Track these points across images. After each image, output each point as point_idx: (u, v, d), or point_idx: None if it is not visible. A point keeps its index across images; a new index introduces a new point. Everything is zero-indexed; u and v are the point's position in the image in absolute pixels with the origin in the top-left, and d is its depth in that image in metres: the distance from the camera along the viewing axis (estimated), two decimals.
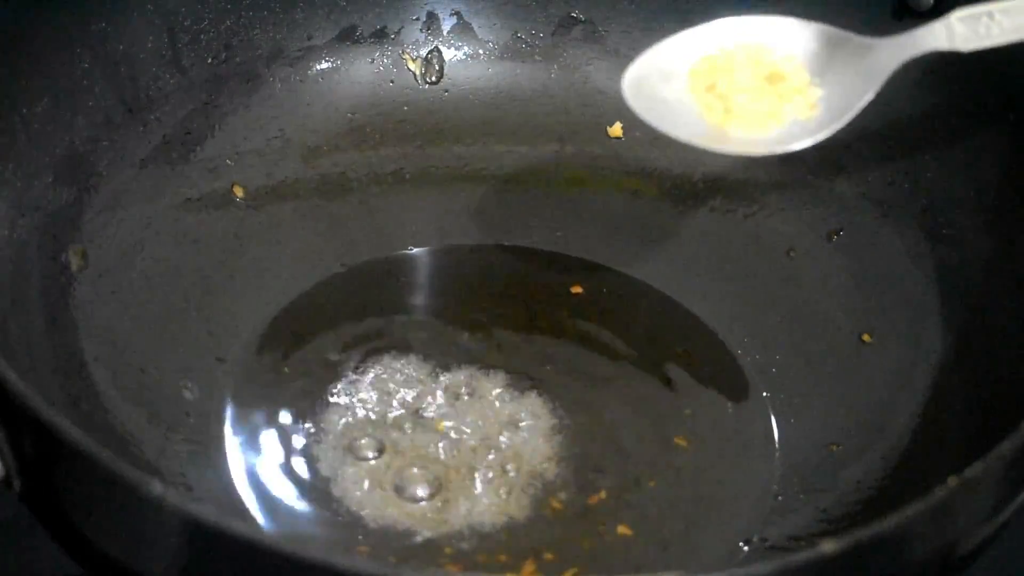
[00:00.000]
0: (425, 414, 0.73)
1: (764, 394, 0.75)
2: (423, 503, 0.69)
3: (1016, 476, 0.57)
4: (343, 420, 0.73)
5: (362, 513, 0.68)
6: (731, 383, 0.75)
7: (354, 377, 0.74)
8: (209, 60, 0.80)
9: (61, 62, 0.73)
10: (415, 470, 0.70)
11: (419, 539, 0.68)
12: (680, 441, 0.73)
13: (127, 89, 0.77)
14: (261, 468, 0.70)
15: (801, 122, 0.68)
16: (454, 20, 0.86)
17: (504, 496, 0.69)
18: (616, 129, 0.85)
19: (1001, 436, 0.56)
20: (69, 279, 0.71)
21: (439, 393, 0.74)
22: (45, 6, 0.72)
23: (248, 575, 0.52)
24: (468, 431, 0.72)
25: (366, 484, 0.70)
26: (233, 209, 0.80)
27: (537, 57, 0.86)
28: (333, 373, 0.74)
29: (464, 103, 0.85)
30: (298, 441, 0.71)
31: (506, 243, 0.81)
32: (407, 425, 0.72)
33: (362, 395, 0.74)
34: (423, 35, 0.85)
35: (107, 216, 0.75)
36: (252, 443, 0.71)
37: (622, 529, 0.69)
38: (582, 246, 0.81)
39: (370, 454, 0.71)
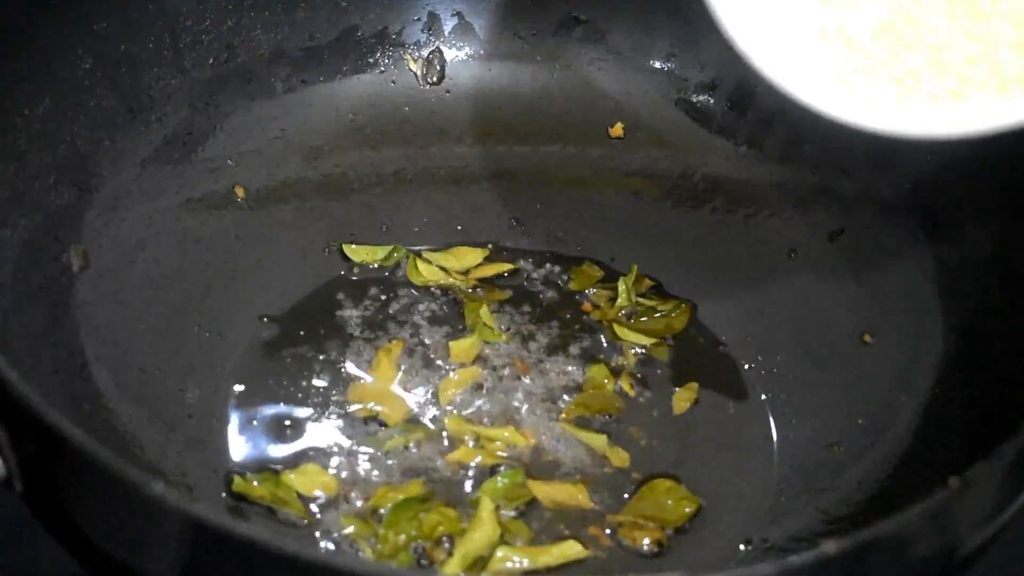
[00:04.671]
0: (426, 413, 0.73)
1: (765, 395, 0.75)
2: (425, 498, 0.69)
3: (1017, 477, 0.57)
4: (345, 418, 0.73)
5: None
6: (731, 383, 0.75)
7: (356, 376, 0.74)
8: (210, 61, 0.80)
9: (63, 63, 0.73)
10: (417, 466, 0.71)
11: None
12: (681, 441, 0.73)
13: (128, 90, 0.77)
14: (262, 468, 0.70)
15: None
16: (455, 20, 0.86)
17: (504, 495, 0.70)
18: (617, 129, 0.85)
19: (1002, 437, 0.56)
20: (70, 279, 0.72)
21: (441, 393, 0.74)
22: (47, 7, 0.72)
23: (248, 575, 0.52)
24: (470, 429, 0.72)
25: (371, 479, 0.70)
26: (234, 209, 0.80)
27: (539, 57, 0.86)
28: (335, 372, 0.74)
29: (465, 103, 0.85)
30: (300, 441, 0.71)
31: (506, 243, 0.81)
32: (409, 423, 0.72)
33: (364, 394, 0.74)
34: (424, 35, 0.85)
35: (108, 216, 0.75)
36: (253, 443, 0.71)
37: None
38: (582, 246, 0.81)
39: (372, 451, 0.71)
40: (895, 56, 0.54)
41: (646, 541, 0.68)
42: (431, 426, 0.72)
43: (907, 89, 0.53)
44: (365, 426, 0.72)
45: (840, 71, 0.54)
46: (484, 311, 0.77)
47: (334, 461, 0.70)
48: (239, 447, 0.71)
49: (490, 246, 0.81)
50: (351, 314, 0.77)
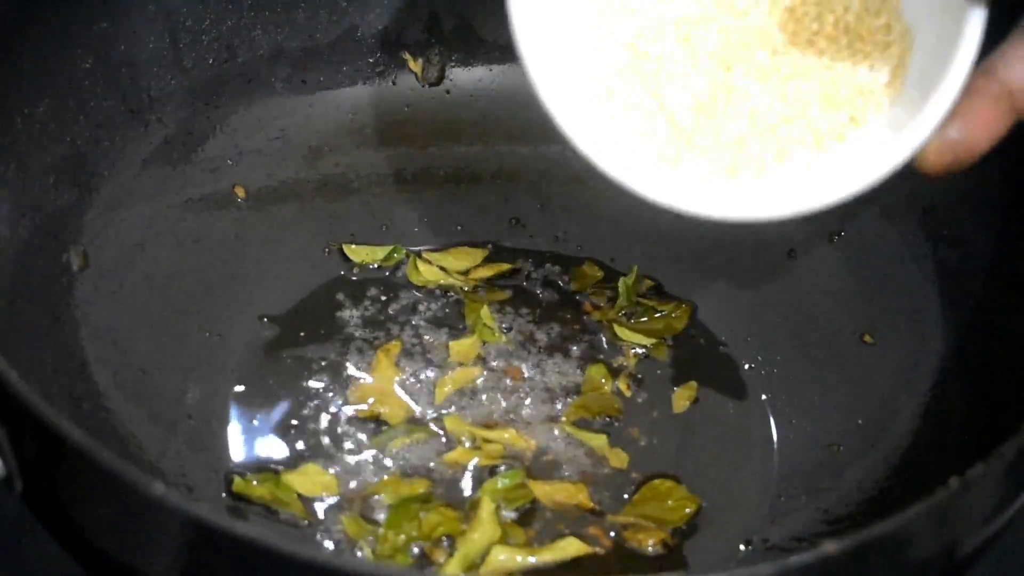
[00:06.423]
0: (426, 413, 0.73)
1: (765, 395, 0.75)
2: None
3: (1017, 477, 0.57)
4: (345, 419, 0.73)
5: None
6: (731, 384, 0.75)
7: (356, 376, 0.74)
8: (210, 60, 0.80)
9: (63, 63, 0.73)
10: (417, 466, 0.71)
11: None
12: (681, 441, 0.73)
13: (128, 89, 0.77)
14: (262, 468, 0.70)
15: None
16: (455, 20, 0.85)
17: (504, 496, 0.70)
18: None
19: (1002, 437, 0.56)
20: (70, 279, 0.71)
21: (437, 391, 0.74)
22: (46, 6, 0.72)
23: (248, 575, 0.52)
24: (470, 430, 0.72)
25: (371, 479, 0.70)
26: (234, 209, 0.80)
27: None
28: (335, 373, 0.74)
29: (465, 103, 0.85)
30: (300, 441, 0.71)
31: (506, 243, 0.81)
32: (409, 423, 0.72)
33: (364, 394, 0.74)
34: (425, 35, 0.85)
35: (108, 216, 0.75)
36: (253, 444, 0.71)
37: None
38: (582, 246, 0.81)
39: (372, 451, 0.71)
40: (718, 126, 0.56)
41: (650, 542, 0.68)
42: (431, 426, 0.72)
43: (735, 160, 0.55)
44: (365, 426, 0.72)
45: (670, 153, 0.56)
46: (484, 311, 0.77)
47: (334, 461, 0.71)
48: (239, 447, 0.71)
49: (490, 246, 0.81)
50: (351, 314, 0.77)
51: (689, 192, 0.54)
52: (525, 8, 0.55)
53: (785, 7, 0.57)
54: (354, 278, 0.79)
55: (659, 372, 0.76)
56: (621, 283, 0.79)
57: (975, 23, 0.51)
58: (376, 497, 0.69)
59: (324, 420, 0.72)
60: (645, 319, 0.78)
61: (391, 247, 0.80)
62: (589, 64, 0.57)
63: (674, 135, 0.56)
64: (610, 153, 0.54)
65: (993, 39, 0.54)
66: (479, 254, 0.80)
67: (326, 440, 0.72)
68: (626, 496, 0.70)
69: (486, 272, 0.79)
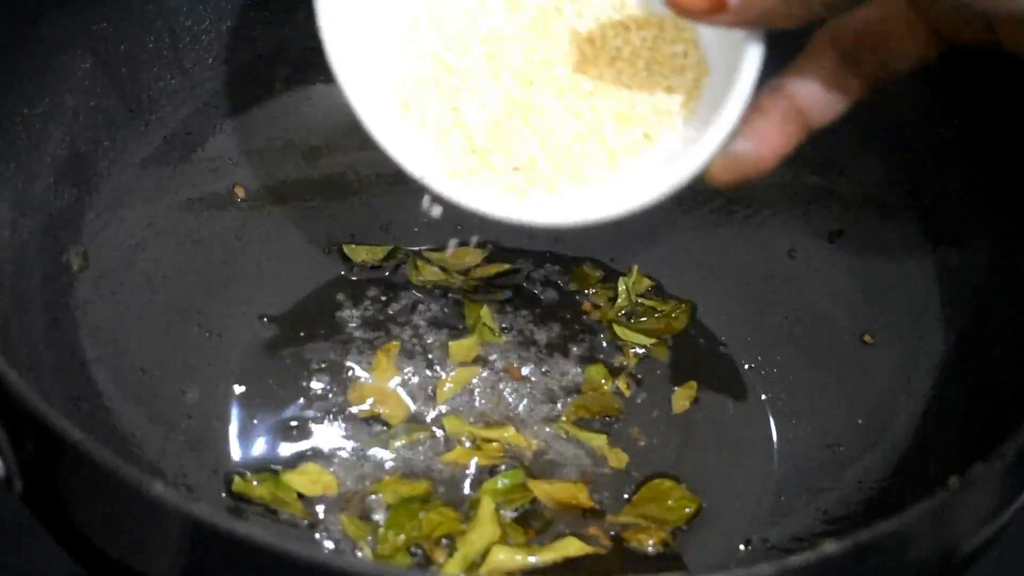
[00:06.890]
0: (426, 413, 0.73)
1: (765, 395, 0.75)
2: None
3: (1017, 477, 0.57)
4: (345, 418, 0.73)
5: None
6: (731, 383, 0.76)
7: (356, 376, 0.74)
8: (210, 60, 0.80)
9: (62, 62, 0.73)
10: (417, 466, 0.71)
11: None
12: (681, 441, 0.73)
13: (128, 89, 0.77)
14: (262, 468, 0.70)
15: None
16: None
17: (504, 496, 0.70)
18: None
19: (1002, 437, 0.56)
20: (70, 279, 0.71)
21: (439, 391, 0.74)
22: (47, 6, 0.72)
23: (248, 575, 0.52)
24: (469, 430, 0.72)
25: (371, 479, 0.70)
26: (234, 209, 0.80)
27: None
28: (335, 372, 0.74)
29: None
30: (300, 441, 0.71)
31: (506, 243, 0.81)
32: (409, 423, 0.72)
33: (364, 394, 0.74)
34: None
35: (108, 216, 0.75)
36: (253, 443, 0.71)
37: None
38: (582, 246, 0.81)
39: (372, 451, 0.71)
40: (511, 146, 0.57)
41: (650, 542, 0.68)
42: (431, 426, 0.72)
43: (527, 179, 0.57)
44: (365, 426, 0.72)
45: (464, 169, 0.57)
46: (484, 311, 0.77)
47: (334, 461, 0.71)
48: (239, 447, 0.71)
49: (490, 246, 0.81)
50: (351, 314, 0.77)
51: (487, 199, 0.57)
52: (334, 11, 0.57)
53: (585, 37, 0.59)
54: (354, 278, 0.79)
55: (659, 372, 0.76)
56: (621, 283, 0.79)
57: (753, 55, 0.55)
58: (376, 497, 0.69)
59: (324, 420, 0.72)
60: (645, 319, 0.78)
61: (391, 247, 0.80)
62: (394, 72, 0.58)
63: (468, 152, 0.57)
64: (415, 159, 0.56)
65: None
66: (479, 254, 0.80)
67: (326, 440, 0.72)
68: (626, 496, 0.71)
69: (486, 272, 0.79)
